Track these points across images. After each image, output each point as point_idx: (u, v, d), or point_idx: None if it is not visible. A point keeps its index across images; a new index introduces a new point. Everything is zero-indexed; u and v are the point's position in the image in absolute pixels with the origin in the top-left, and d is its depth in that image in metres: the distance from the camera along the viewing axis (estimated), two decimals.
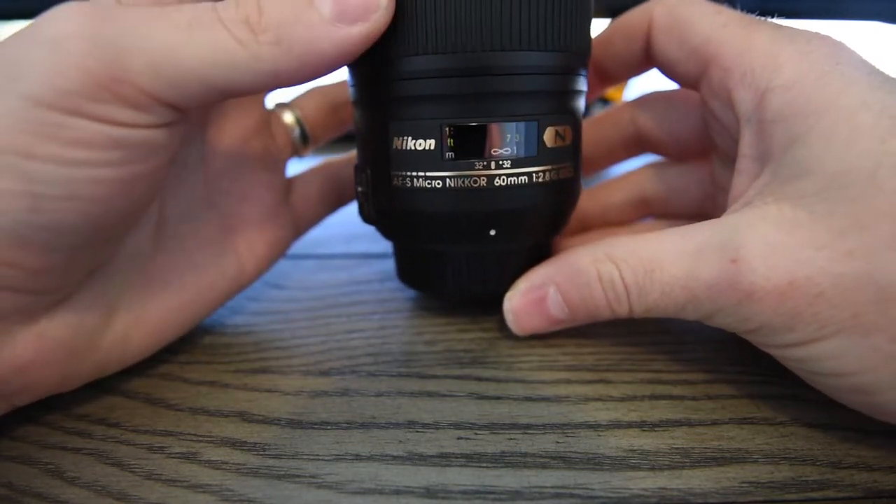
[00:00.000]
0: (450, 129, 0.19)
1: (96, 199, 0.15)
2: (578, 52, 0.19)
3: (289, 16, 0.15)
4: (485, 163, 0.19)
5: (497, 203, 0.19)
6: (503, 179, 0.19)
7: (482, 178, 0.19)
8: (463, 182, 0.19)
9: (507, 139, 0.19)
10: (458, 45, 0.17)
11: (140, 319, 0.20)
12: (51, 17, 0.14)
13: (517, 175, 0.19)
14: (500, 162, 0.19)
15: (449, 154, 0.19)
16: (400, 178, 0.20)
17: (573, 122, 0.20)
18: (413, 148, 0.19)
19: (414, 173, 0.19)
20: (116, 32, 0.14)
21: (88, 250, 0.16)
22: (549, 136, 0.19)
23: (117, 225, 0.17)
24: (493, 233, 0.20)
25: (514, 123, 0.18)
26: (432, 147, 0.19)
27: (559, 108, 0.19)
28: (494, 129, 0.18)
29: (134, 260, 0.20)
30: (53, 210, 0.14)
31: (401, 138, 0.19)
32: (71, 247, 0.15)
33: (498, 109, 0.18)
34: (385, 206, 0.21)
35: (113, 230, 0.17)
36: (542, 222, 0.21)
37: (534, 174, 0.19)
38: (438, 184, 0.19)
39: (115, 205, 0.15)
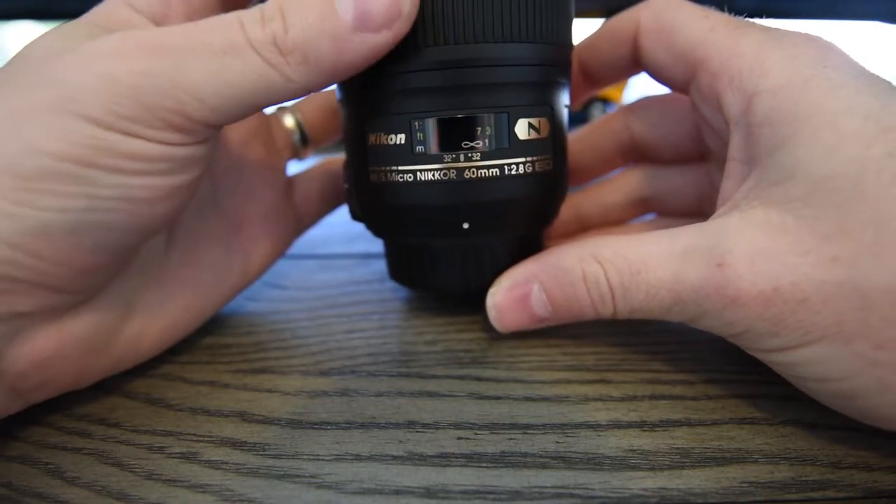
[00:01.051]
0: (419, 124, 0.19)
1: (148, 201, 0.16)
2: (553, 42, 0.19)
3: (314, 30, 0.15)
4: (453, 156, 0.19)
5: (467, 196, 0.19)
6: (473, 172, 0.19)
7: (451, 171, 0.19)
8: (433, 175, 0.19)
9: (477, 132, 0.18)
10: (425, 40, 0.17)
11: (155, 315, 0.20)
12: (104, 52, 0.15)
13: (488, 168, 0.19)
14: (470, 155, 0.19)
15: (419, 148, 0.19)
16: (376, 174, 0.20)
17: (550, 114, 0.20)
18: (386, 143, 0.19)
19: (387, 168, 0.20)
20: (164, 68, 0.15)
21: (130, 251, 0.18)
22: (521, 128, 0.19)
23: (159, 227, 0.17)
24: (466, 226, 0.20)
25: (483, 116, 0.18)
26: (402, 141, 0.19)
27: (533, 99, 0.19)
28: (463, 122, 0.18)
29: (150, 259, 0.20)
30: (109, 209, 0.15)
31: (375, 134, 0.20)
32: (118, 247, 0.16)
33: (466, 102, 0.18)
34: (366, 201, 0.21)
35: (153, 232, 0.18)
36: (519, 216, 0.21)
37: (506, 167, 0.19)
38: (409, 178, 0.19)
39: (161, 208, 0.17)
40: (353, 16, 0.15)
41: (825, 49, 0.17)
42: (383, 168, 0.20)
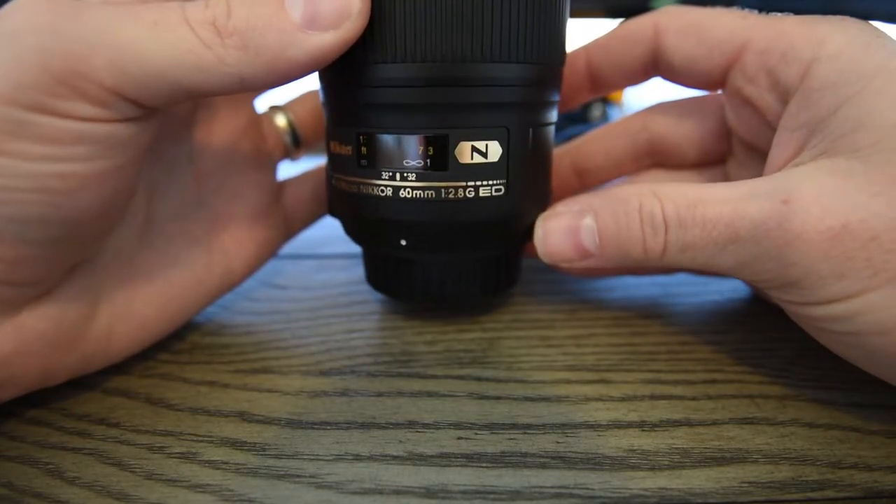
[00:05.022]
0: (363, 138, 0.19)
1: (65, 192, 0.15)
2: (511, 60, 0.18)
3: (258, 21, 0.15)
4: (390, 173, 0.19)
5: (401, 214, 0.19)
6: (408, 192, 0.19)
7: (388, 188, 0.19)
8: (371, 190, 0.19)
9: (417, 151, 0.18)
10: (374, 56, 0.17)
11: (125, 314, 0.20)
12: (12, 9, 0.14)
13: (423, 189, 0.19)
14: (406, 175, 0.18)
15: (362, 161, 0.19)
16: (335, 179, 0.21)
17: (504, 137, 0.19)
18: (340, 152, 0.20)
19: (339, 176, 0.20)
20: (79, 27, 0.14)
21: (68, 244, 0.16)
22: (461, 151, 0.18)
23: (96, 219, 0.16)
24: (403, 242, 0.20)
25: (421, 136, 0.18)
26: (351, 153, 0.19)
27: (479, 122, 0.18)
28: (401, 140, 0.18)
29: (119, 255, 0.20)
30: (20, 202, 0.14)
31: (334, 142, 0.20)
32: (46, 239, 0.15)
33: (408, 122, 0.18)
34: (331, 203, 0.22)
35: (93, 224, 0.16)
36: (459, 238, 0.20)
37: (442, 190, 0.18)
38: (354, 189, 0.20)
39: (86, 198, 0.15)
40: (302, 12, 0.15)
41: (867, 24, 0.17)
42: (338, 175, 0.20)
